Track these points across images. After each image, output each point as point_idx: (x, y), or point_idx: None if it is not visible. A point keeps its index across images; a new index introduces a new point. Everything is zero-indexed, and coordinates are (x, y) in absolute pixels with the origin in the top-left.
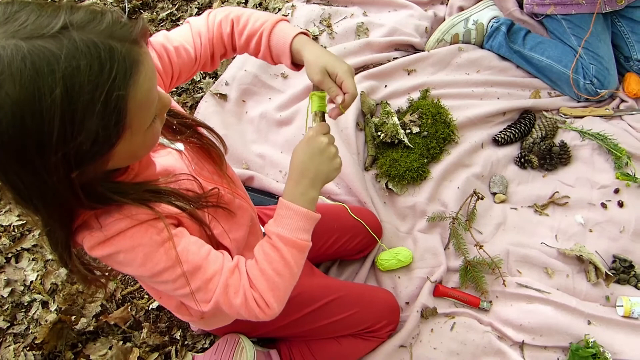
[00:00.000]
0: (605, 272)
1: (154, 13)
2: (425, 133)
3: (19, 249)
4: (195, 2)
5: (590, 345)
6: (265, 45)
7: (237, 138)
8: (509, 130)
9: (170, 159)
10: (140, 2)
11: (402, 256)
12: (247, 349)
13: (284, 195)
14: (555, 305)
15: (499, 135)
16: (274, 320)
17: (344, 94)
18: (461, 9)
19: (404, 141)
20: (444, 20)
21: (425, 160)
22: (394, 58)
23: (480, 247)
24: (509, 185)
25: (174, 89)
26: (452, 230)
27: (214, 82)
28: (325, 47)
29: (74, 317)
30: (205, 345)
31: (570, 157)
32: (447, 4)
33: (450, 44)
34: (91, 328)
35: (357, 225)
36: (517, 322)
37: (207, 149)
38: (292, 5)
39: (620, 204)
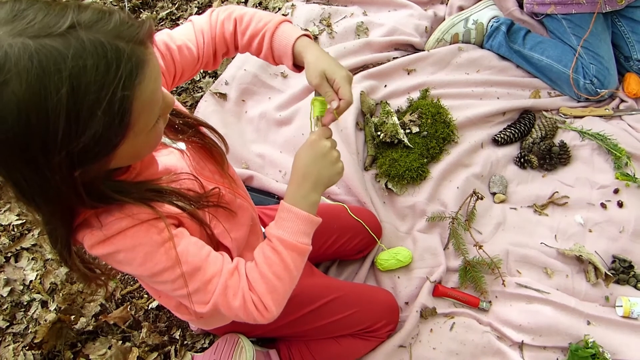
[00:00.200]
0: (605, 272)
1: (154, 12)
2: (425, 133)
3: (18, 248)
4: (195, 2)
5: (589, 345)
6: (267, 46)
7: (236, 137)
8: (509, 130)
9: (171, 158)
10: (140, 1)
11: (402, 256)
12: (246, 348)
13: (286, 198)
14: (555, 306)
15: (498, 135)
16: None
17: (340, 100)
18: (461, 8)
19: (403, 141)
20: (444, 19)
21: (425, 160)
22: (394, 58)
23: (480, 247)
24: (509, 185)
25: (173, 88)
26: (451, 230)
27: (214, 82)
28: (324, 48)
29: (73, 316)
30: (205, 345)
31: (570, 157)
32: (447, 4)
33: (450, 44)
34: (90, 328)
35: (357, 225)
36: (516, 322)
37: (209, 148)
38: (292, 5)
39: (620, 204)
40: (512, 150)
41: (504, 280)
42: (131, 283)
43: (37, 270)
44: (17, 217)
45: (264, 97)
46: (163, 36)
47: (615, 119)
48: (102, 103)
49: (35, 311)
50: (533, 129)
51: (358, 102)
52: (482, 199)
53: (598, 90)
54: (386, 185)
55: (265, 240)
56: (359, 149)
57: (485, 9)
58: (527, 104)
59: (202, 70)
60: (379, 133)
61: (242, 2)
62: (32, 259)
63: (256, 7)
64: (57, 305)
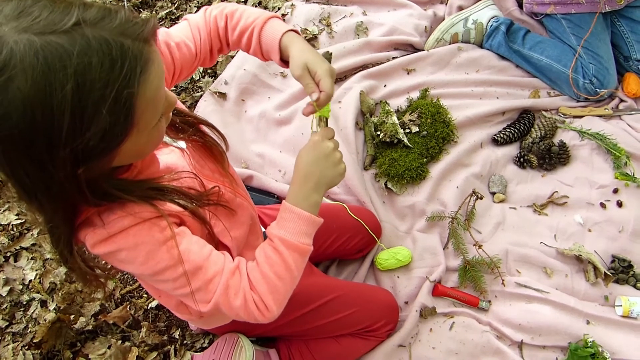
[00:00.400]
0: (604, 271)
1: (153, 12)
2: (425, 132)
3: (17, 247)
4: (195, 1)
5: (589, 344)
6: (256, 41)
7: (236, 137)
8: (508, 130)
9: (172, 157)
10: (140, 0)
11: (401, 256)
12: (246, 348)
13: (288, 198)
14: (554, 305)
15: (498, 135)
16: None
17: (320, 92)
18: (460, 8)
19: (403, 141)
20: (444, 19)
21: (425, 159)
22: (394, 57)
23: (480, 246)
24: (508, 184)
25: (172, 88)
26: (451, 229)
27: (213, 81)
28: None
29: (72, 316)
30: (204, 345)
31: (570, 157)
32: (446, 3)
33: (450, 44)
34: (90, 327)
35: (356, 225)
36: (516, 321)
37: (209, 147)
38: (292, 4)
39: (619, 204)
40: (512, 150)
41: (503, 280)
42: (131, 282)
43: (36, 270)
44: (17, 217)
45: (264, 96)
46: (161, 34)
47: (615, 118)
48: (106, 100)
49: (34, 311)
50: (532, 129)
51: (358, 101)
52: (481, 198)
53: (597, 90)
54: (386, 184)
55: (267, 240)
56: (359, 148)
57: (485, 8)
58: (526, 104)
59: (201, 70)
60: (378, 133)
61: (241, 2)
62: (32, 258)
63: (255, 6)
64: (56, 305)
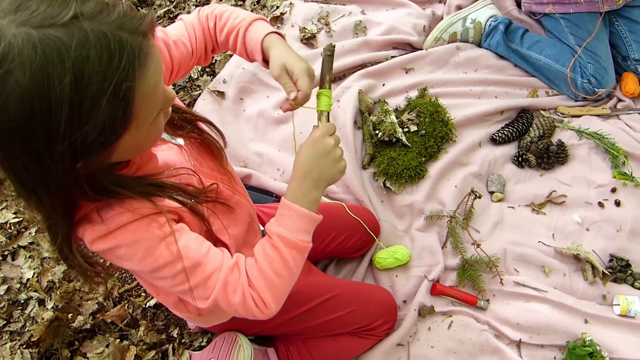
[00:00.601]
0: (602, 270)
1: (152, 10)
2: (423, 132)
3: (15, 246)
4: (193, 0)
5: (587, 343)
6: (241, 42)
7: (234, 136)
8: (507, 129)
9: (171, 153)
10: None
11: (400, 255)
12: (244, 347)
13: (287, 195)
14: (553, 304)
15: (496, 134)
16: (271, 317)
17: (298, 91)
18: (459, 7)
19: (401, 140)
20: (442, 18)
21: (423, 158)
22: (392, 56)
23: (478, 245)
24: (507, 184)
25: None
26: (449, 228)
27: (212, 80)
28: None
29: (70, 314)
30: (203, 344)
31: (568, 156)
32: (445, 3)
33: (448, 43)
34: (88, 326)
35: (355, 224)
36: (514, 320)
37: (207, 144)
38: (290, 3)
39: (617, 203)
40: (510, 149)
41: (501, 279)
42: (129, 281)
43: (34, 269)
44: (14, 215)
45: (262, 95)
46: (158, 33)
47: (613, 118)
48: (105, 93)
49: (32, 309)
50: (531, 128)
51: (356, 100)
52: (480, 197)
53: (596, 89)
54: (384, 183)
55: (266, 237)
56: (357, 147)
57: (484, 8)
58: (525, 103)
59: (199, 69)
60: (377, 132)
61: (241, 1)
62: (29, 257)
63: (254, 5)
64: (54, 304)
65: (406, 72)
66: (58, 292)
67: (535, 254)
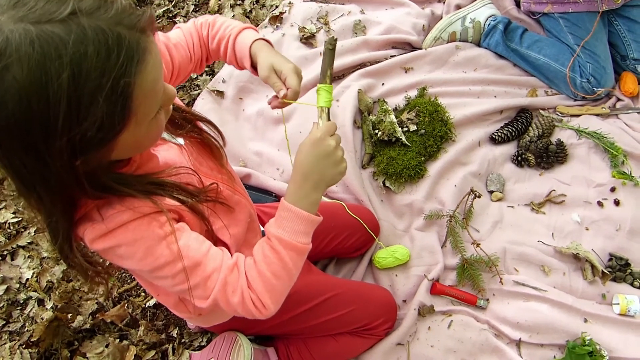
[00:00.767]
0: (602, 270)
1: (151, 7)
2: (423, 131)
3: (14, 246)
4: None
5: (586, 343)
6: (231, 50)
7: (234, 135)
8: (506, 129)
9: (171, 153)
10: None
11: (400, 254)
12: (244, 346)
13: (286, 196)
14: (552, 303)
15: (496, 134)
16: (271, 317)
17: (287, 89)
18: (458, 7)
19: (401, 139)
20: (441, 18)
21: (423, 158)
22: (391, 56)
23: (478, 245)
24: (506, 183)
25: None
26: (449, 228)
27: (211, 79)
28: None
29: (70, 314)
30: (203, 343)
31: (567, 156)
32: (444, 2)
33: (448, 42)
34: (87, 326)
35: (355, 223)
36: (514, 320)
37: (207, 143)
38: (290, 3)
39: (617, 203)
40: (510, 148)
41: (501, 278)
42: (128, 281)
43: (33, 269)
44: (13, 215)
45: (262, 94)
46: (159, 36)
47: (612, 117)
48: (103, 89)
49: (31, 309)
50: (530, 128)
51: (356, 100)
52: (479, 197)
53: (595, 89)
54: (384, 183)
55: (265, 239)
56: (357, 147)
57: (483, 7)
58: (524, 103)
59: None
60: (376, 131)
61: (240, 0)
62: (29, 257)
63: (253, 4)
64: (53, 304)
65: (405, 72)
66: (57, 292)
67: (534, 253)
